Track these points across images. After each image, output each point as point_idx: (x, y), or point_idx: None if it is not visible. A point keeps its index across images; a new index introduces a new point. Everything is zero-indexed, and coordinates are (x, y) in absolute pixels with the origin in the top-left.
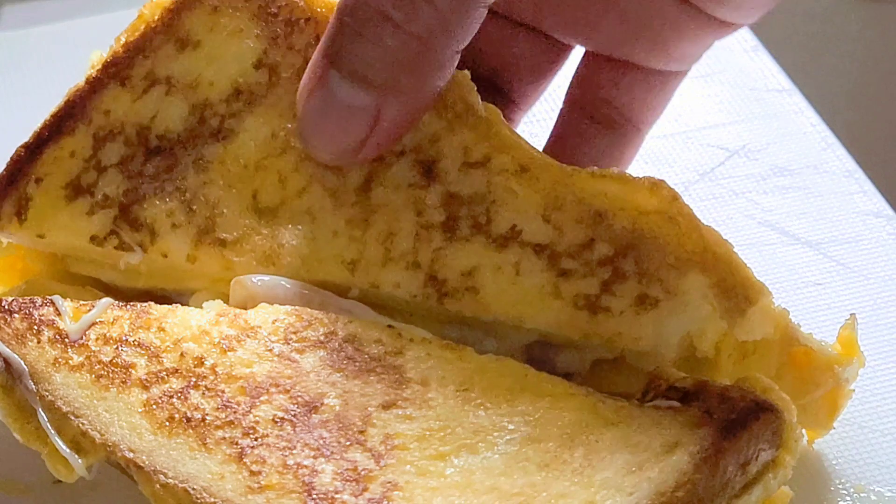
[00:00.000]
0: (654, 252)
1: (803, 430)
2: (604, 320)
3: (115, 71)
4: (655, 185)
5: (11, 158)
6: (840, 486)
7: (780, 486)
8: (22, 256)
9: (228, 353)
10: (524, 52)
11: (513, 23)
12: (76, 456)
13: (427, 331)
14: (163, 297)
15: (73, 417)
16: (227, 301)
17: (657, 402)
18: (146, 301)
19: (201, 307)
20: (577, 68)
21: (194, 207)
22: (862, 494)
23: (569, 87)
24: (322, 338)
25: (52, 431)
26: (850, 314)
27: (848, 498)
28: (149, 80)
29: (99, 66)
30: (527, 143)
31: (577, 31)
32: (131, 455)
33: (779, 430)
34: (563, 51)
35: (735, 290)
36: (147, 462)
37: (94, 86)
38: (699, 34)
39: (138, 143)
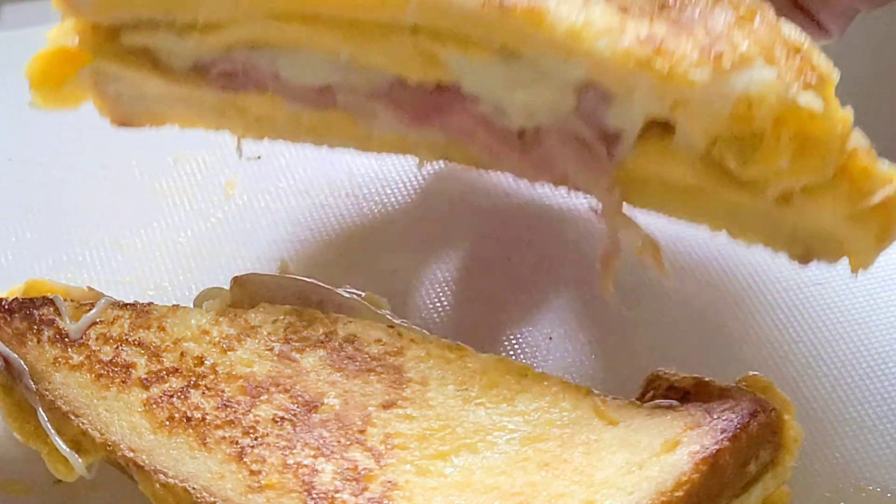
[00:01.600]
0: (724, 18)
1: (849, 264)
2: (664, 58)
3: None
4: None
5: None
6: (840, 486)
7: (779, 486)
8: (74, 41)
9: (228, 352)
10: None
11: None
12: (76, 455)
13: (478, 60)
14: (209, 66)
15: (73, 417)
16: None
17: (657, 402)
18: (196, 77)
19: (202, 307)
20: None
21: None
22: (862, 494)
23: None
24: (322, 337)
25: (52, 431)
26: None
27: (848, 497)
28: None
29: None
30: None
31: None
32: (131, 454)
33: (778, 429)
34: None
35: (805, 67)
36: (147, 461)
37: None
38: None
39: None
